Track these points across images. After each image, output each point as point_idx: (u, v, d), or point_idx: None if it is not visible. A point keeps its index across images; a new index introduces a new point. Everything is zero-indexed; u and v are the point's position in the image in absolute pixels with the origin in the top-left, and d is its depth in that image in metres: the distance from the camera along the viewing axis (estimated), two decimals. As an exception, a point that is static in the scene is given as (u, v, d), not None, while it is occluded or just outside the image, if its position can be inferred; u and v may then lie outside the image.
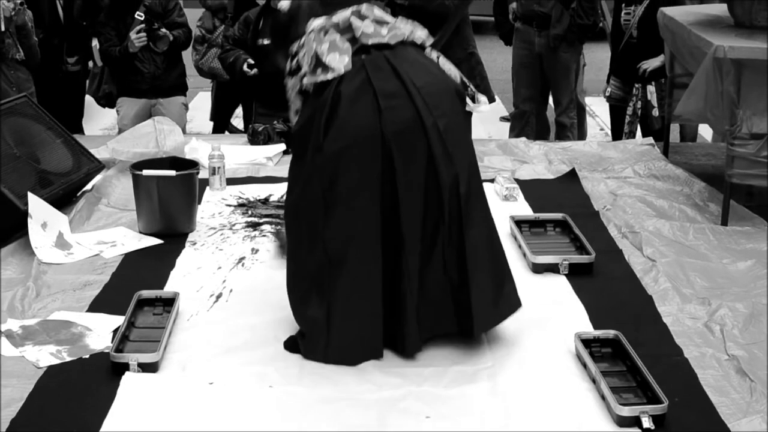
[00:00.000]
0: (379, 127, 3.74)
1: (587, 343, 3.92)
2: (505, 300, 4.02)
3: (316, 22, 3.98)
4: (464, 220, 3.86)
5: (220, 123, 8.77)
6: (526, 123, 8.28)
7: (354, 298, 3.83)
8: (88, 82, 8.15)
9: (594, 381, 3.70)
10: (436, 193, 3.82)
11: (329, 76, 3.80)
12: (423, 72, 3.92)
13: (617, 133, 7.84)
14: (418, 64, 3.95)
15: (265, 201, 5.82)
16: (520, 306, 4.07)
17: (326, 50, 3.83)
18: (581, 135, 8.44)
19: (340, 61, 3.81)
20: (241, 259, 4.92)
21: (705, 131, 8.95)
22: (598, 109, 10.40)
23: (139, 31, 7.33)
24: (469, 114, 3.97)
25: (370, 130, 3.74)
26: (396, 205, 3.78)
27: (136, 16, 7.39)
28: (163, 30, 7.40)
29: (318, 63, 3.84)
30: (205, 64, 8.15)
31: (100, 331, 4.10)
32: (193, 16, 8.69)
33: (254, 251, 5.01)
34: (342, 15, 3.96)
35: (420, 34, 4.04)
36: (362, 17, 3.96)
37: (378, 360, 3.87)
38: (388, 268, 3.83)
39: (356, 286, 3.82)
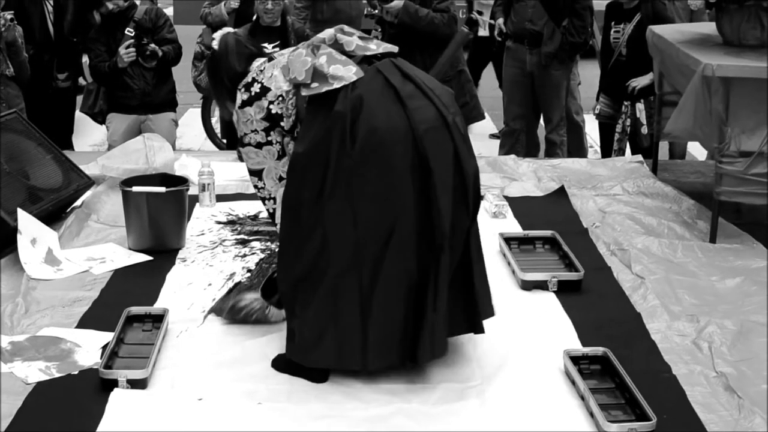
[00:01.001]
0: (409, 126, 3.75)
1: (576, 360, 3.93)
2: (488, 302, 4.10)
3: (280, 54, 4.08)
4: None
5: (234, 139, 8.67)
6: (516, 140, 8.29)
7: (390, 301, 3.78)
8: (83, 98, 8.12)
9: (583, 398, 3.71)
10: (462, 188, 3.85)
11: (336, 85, 3.79)
12: (425, 76, 3.98)
13: (606, 151, 7.86)
14: (418, 70, 4.00)
15: (255, 218, 5.82)
16: (492, 314, 4.11)
17: (325, 62, 3.84)
18: (581, 154, 8.38)
19: (346, 71, 3.82)
20: (231, 275, 4.92)
21: (694, 149, 8.98)
22: (587, 127, 10.40)
23: (128, 47, 7.33)
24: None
25: (402, 130, 3.74)
26: (429, 203, 3.77)
27: (126, 32, 7.40)
28: (152, 45, 7.40)
29: (317, 75, 3.83)
30: (202, 81, 8.12)
31: (89, 348, 4.10)
32: (193, 33, 8.66)
33: (244, 268, 5.01)
34: (327, 33, 4.00)
35: None
36: (347, 33, 4.00)
37: (395, 368, 3.87)
38: (420, 268, 3.82)
39: (392, 288, 3.78)
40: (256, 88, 3.99)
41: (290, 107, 3.95)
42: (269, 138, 4.01)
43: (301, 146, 3.85)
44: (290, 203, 3.88)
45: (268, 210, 4.20)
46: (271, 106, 3.95)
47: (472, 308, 3.97)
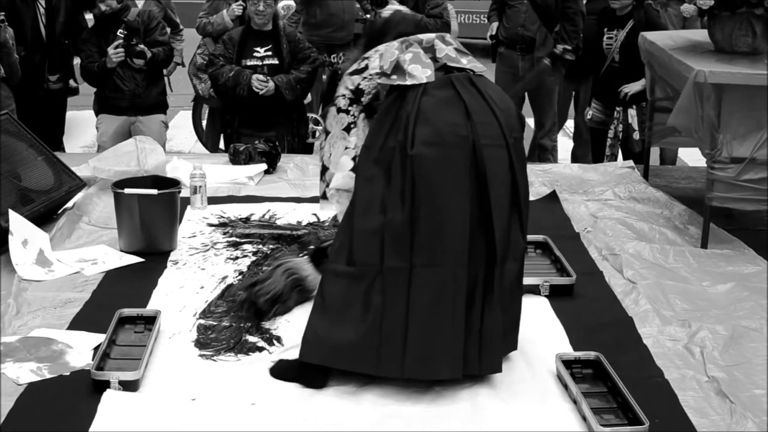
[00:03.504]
0: (471, 137, 3.80)
1: (568, 364, 3.93)
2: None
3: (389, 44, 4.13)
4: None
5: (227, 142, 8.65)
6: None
7: (438, 307, 3.78)
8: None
9: (575, 402, 3.71)
10: (517, 208, 3.89)
11: (408, 82, 3.88)
12: (499, 97, 4.02)
13: (598, 156, 7.87)
14: (494, 89, 4.07)
15: (246, 220, 5.82)
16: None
17: (409, 59, 3.94)
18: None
19: (422, 72, 3.91)
20: (224, 278, 4.91)
21: (685, 155, 8.99)
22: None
23: (116, 47, 7.32)
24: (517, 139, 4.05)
25: (464, 137, 3.79)
26: (485, 216, 3.81)
27: (118, 33, 7.38)
28: (141, 46, 7.38)
29: (397, 69, 3.94)
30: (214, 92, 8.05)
31: (80, 349, 4.09)
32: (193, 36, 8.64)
33: (236, 271, 5.01)
34: (427, 36, 4.09)
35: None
36: (446, 42, 4.08)
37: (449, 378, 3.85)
38: (473, 278, 3.84)
39: (441, 294, 3.79)
40: (363, 63, 4.13)
41: (371, 87, 4.07)
42: (349, 108, 4.13)
43: (371, 137, 3.95)
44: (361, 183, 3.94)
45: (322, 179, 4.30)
46: (361, 82, 4.10)
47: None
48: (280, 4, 8.05)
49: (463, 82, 3.96)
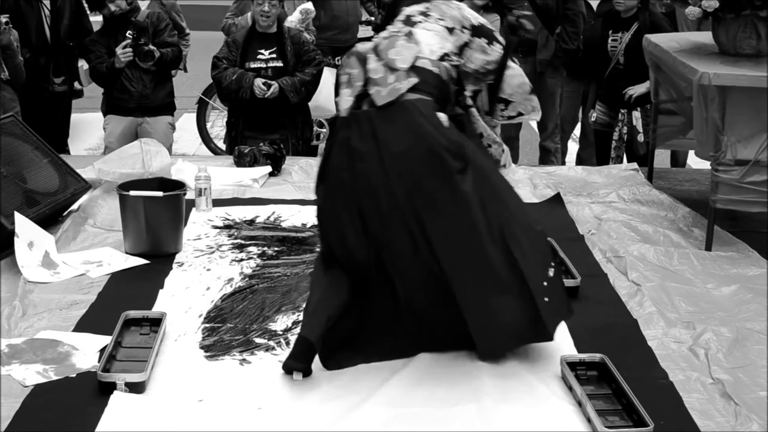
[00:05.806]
0: (355, 186, 3.88)
1: (573, 366, 3.94)
2: None
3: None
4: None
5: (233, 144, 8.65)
6: (511, 148, 8.29)
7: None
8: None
9: (580, 404, 3.71)
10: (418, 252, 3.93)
11: (341, 114, 3.98)
12: (404, 135, 3.87)
13: (603, 158, 7.87)
14: (401, 128, 3.88)
15: (251, 222, 5.83)
16: None
17: (344, 82, 3.98)
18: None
19: (345, 103, 3.95)
20: (230, 280, 4.92)
21: (688, 157, 8.99)
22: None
23: (125, 47, 7.33)
24: (461, 171, 3.87)
25: (346, 186, 3.90)
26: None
27: (127, 34, 7.39)
28: (150, 46, 7.39)
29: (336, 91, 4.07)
30: None
31: (86, 351, 4.10)
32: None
33: (241, 273, 5.02)
34: (366, 45, 4.09)
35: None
36: (379, 56, 3.99)
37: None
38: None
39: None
40: None
41: None
42: None
43: None
44: None
45: None
46: None
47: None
48: (300, 7, 8.04)
49: (361, 121, 3.91)
